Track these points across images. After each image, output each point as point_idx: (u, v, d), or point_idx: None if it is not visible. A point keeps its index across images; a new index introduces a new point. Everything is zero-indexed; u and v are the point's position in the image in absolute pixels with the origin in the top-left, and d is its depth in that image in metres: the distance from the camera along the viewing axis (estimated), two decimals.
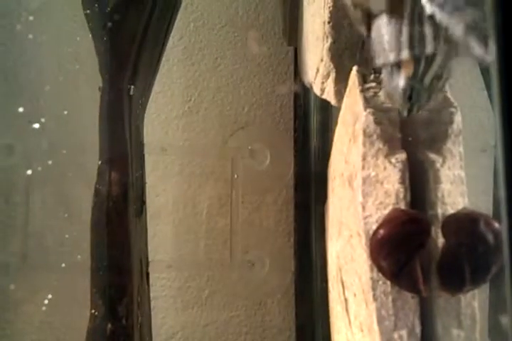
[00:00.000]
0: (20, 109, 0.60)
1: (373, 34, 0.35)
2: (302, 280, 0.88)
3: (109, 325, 0.55)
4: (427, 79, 0.35)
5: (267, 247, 0.91)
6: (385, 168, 0.41)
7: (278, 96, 0.94)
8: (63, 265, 0.67)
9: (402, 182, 0.41)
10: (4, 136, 0.71)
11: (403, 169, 0.41)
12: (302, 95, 0.89)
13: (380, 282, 0.40)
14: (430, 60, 0.33)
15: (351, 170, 0.45)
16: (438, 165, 0.40)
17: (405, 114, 0.37)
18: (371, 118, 0.42)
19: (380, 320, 0.39)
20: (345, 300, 0.46)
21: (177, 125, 0.91)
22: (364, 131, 0.42)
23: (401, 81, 0.35)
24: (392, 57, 0.34)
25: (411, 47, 0.33)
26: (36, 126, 0.60)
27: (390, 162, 0.41)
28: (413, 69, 0.34)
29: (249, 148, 0.90)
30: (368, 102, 0.43)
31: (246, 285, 0.91)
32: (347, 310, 0.46)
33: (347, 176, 0.47)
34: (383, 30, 0.34)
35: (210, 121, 0.92)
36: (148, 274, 0.72)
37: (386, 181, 0.41)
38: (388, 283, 0.39)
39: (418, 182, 0.41)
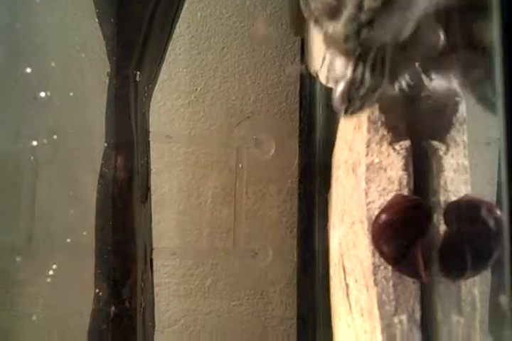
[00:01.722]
0: (28, 70, 0.60)
1: None
2: (304, 270, 0.89)
3: (113, 307, 0.55)
4: (362, 91, 0.43)
5: (270, 237, 0.91)
6: (388, 155, 0.42)
7: (284, 87, 0.94)
8: (69, 245, 0.68)
9: (406, 169, 0.41)
10: (11, 122, 0.71)
11: (407, 156, 0.41)
12: (308, 86, 0.89)
13: (382, 267, 0.40)
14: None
15: (355, 157, 0.45)
16: (441, 153, 0.40)
17: (342, 113, 0.45)
18: (376, 105, 0.42)
19: (381, 305, 0.40)
20: (347, 285, 0.47)
21: (183, 114, 0.92)
22: (369, 118, 0.42)
23: (340, 86, 0.44)
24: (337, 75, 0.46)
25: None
26: (42, 94, 0.61)
27: (394, 149, 0.41)
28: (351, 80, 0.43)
29: (255, 137, 0.90)
30: None
31: (249, 275, 0.91)
32: (348, 295, 0.46)
33: (351, 163, 0.47)
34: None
35: (215, 110, 0.92)
36: (152, 260, 0.73)
37: (390, 168, 0.41)
38: (389, 268, 0.40)
39: (421, 169, 0.42)
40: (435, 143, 0.41)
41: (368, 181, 0.42)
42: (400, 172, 0.41)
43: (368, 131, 0.43)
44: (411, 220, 0.37)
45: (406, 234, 0.37)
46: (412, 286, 0.40)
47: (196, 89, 0.93)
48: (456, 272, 0.37)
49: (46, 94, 0.61)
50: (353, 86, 0.42)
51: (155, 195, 0.77)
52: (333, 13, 0.41)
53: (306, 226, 0.88)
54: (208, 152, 0.91)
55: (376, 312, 0.40)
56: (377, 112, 0.42)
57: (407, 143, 0.41)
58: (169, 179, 0.90)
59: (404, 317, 0.39)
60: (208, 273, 0.90)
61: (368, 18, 0.39)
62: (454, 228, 0.37)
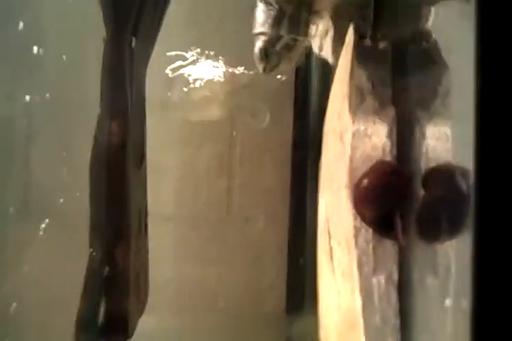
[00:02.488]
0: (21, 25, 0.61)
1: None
2: (295, 238, 0.91)
3: (107, 268, 0.57)
4: (278, 47, 0.49)
5: (263, 205, 0.93)
6: (374, 123, 0.43)
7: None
8: (62, 206, 0.69)
9: (389, 136, 0.42)
10: (4, 85, 0.71)
11: (391, 124, 0.42)
12: (303, 57, 0.89)
13: (363, 230, 0.42)
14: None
15: (343, 125, 0.47)
16: (425, 121, 0.42)
17: (261, 70, 0.52)
18: (363, 72, 0.43)
19: (360, 266, 0.42)
20: (330, 248, 0.49)
21: (180, 82, 0.92)
22: (356, 87, 0.43)
23: (258, 43, 0.50)
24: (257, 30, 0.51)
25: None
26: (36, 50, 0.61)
27: (380, 117, 0.43)
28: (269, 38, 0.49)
29: (249, 106, 0.91)
30: (361, 57, 0.44)
31: (242, 242, 0.93)
32: (331, 257, 0.48)
33: (339, 131, 0.48)
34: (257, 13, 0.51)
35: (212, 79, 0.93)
36: (146, 225, 0.75)
37: (374, 135, 0.43)
38: (370, 231, 0.41)
39: (405, 137, 0.43)
40: (420, 112, 0.42)
41: (353, 148, 0.43)
42: (384, 140, 0.42)
43: (356, 100, 0.44)
44: (391, 185, 0.39)
45: (386, 198, 0.38)
46: (391, 249, 0.42)
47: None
48: (431, 235, 0.39)
49: (40, 50, 0.61)
50: (270, 42, 0.47)
51: (151, 163, 0.79)
52: None
53: (299, 195, 0.90)
54: (204, 120, 0.92)
55: (356, 272, 0.42)
56: (364, 81, 0.43)
57: (392, 111, 0.43)
58: (165, 147, 0.91)
59: (382, 278, 0.41)
60: (202, 240, 0.92)
61: None
62: (431, 193, 0.38)
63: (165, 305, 0.93)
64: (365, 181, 0.39)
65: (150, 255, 0.82)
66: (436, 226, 0.38)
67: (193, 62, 0.92)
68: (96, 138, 0.58)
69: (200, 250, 0.92)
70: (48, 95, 0.66)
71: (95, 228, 0.58)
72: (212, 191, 0.92)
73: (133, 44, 0.58)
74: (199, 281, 0.93)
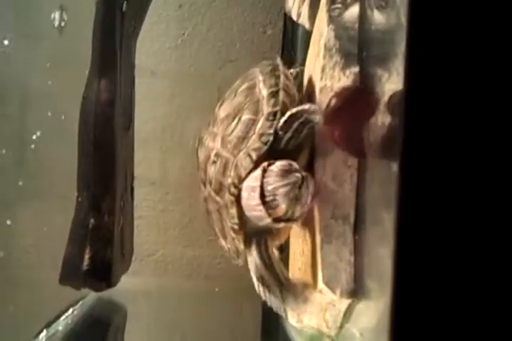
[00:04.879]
0: None
1: None
2: None
3: (92, 218, 0.61)
4: None
5: None
6: (339, 79, 0.47)
7: (269, 36, 0.98)
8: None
9: None
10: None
11: (354, 80, 0.46)
12: (290, 34, 0.92)
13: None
14: None
15: (313, 83, 0.51)
16: (384, 79, 0.45)
17: None
18: (332, 33, 0.47)
19: (320, 210, 0.46)
20: None
21: (170, 56, 0.96)
22: (325, 45, 0.47)
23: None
24: None
25: None
26: None
27: (344, 74, 0.47)
28: None
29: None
30: (332, 20, 0.48)
31: None
32: None
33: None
34: None
35: (201, 55, 0.96)
36: (132, 187, 0.78)
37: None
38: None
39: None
40: (380, 71, 0.46)
41: (319, 103, 0.47)
42: None
43: (324, 58, 0.48)
44: (356, 102, 0.42)
45: (351, 115, 0.42)
46: (349, 195, 0.46)
47: (184, 34, 0.96)
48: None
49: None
50: None
51: (139, 133, 0.82)
52: None
53: None
54: (192, 93, 0.95)
55: (317, 216, 0.46)
56: (333, 40, 0.47)
57: (356, 69, 0.47)
58: (154, 119, 0.95)
59: (340, 220, 0.45)
60: (187, 209, 0.96)
61: None
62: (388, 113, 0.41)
63: (150, 269, 0.97)
64: (334, 100, 0.43)
65: (138, 222, 0.85)
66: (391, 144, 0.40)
67: (184, 38, 0.96)
68: (85, 96, 0.62)
69: (186, 221, 0.96)
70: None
71: (83, 179, 0.61)
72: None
73: (124, 8, 0.61)
74: (184, 248, 0.97)
